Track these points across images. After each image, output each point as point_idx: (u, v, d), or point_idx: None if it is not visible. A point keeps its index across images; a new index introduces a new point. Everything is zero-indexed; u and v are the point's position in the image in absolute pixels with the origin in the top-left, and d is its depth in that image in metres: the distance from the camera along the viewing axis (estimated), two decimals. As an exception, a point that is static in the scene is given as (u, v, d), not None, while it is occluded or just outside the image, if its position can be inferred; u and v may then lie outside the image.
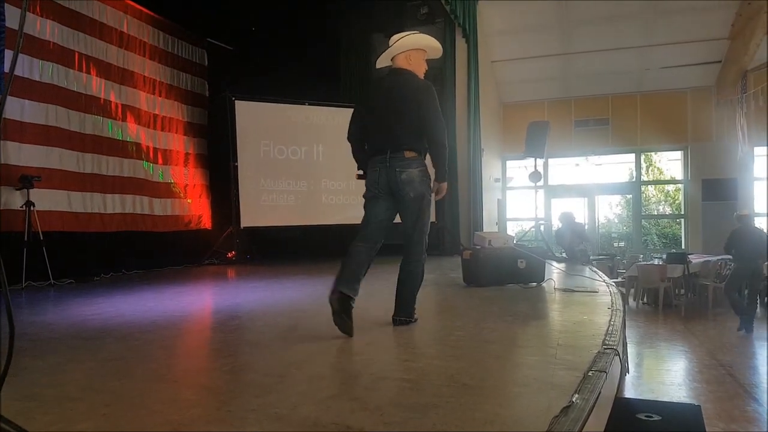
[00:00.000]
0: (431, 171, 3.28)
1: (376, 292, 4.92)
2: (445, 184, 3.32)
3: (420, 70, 3.36)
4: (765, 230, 9.62)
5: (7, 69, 5.84)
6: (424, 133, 3.19)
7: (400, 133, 3.18)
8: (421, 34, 3.41)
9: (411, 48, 3.33)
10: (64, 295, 5.35)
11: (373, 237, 3.23)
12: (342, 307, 2.98)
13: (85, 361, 2.69)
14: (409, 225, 3.22)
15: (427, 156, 3.28)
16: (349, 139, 3.45)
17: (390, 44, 3.37)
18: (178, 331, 3.66)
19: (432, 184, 3.29)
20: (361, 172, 3.42)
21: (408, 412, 1.80)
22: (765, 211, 11.53)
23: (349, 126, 3.45)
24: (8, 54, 5.85)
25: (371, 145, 3.32)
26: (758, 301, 7.87)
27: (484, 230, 9.62)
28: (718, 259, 9.82)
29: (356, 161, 3.46)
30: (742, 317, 7.48)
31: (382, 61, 3.46)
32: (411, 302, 3.29)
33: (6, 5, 5.84)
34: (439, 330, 3.31)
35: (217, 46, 9.59)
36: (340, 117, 9.35)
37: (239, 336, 3.33)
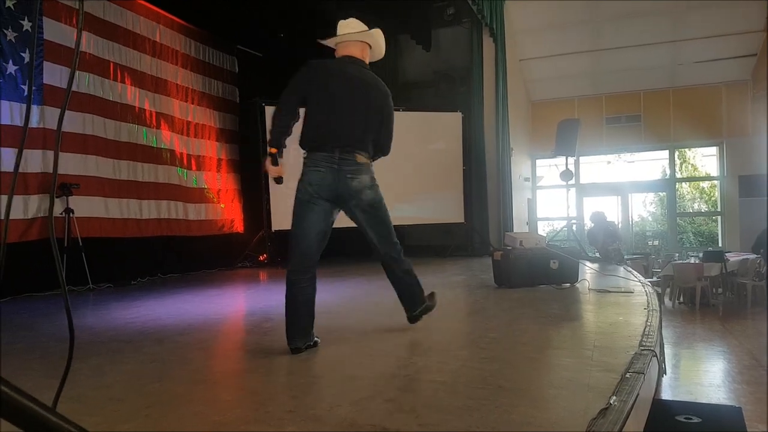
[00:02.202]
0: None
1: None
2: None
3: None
4: None
5: (47, 81, 6.07)
6: (379, 142, 3.02)
7: (359, 133, 2.90)
8: (380, 33, 3.12)
9: (369, 41, 3.08)
10: (103, 299, 5.51)
11: (315, 258, 2.91)
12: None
13: (126, 363, 2.77)
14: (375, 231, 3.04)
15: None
16: (284, 106, 2.87)
17: (344, 27, 3.05)
18: (214, 334, 3.73)
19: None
20: (275, 151, 2.86)
21: (443, 413, 1.80)
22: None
23: (290, 92, 2.89)
24: (46, 66, 6.07)
25: (316, 136, 2.87)
26: None
27: (515, 230, 9.54)
28: (756, 257, 9.55)
29: (276, 135, 2.85)
30: None
31: (333, 41, 3.09)
32: (422, 292, 3.20)
33: (44, 18, 6.06)
34: (471, 332, 3.31)
35: (246, 52, 9.74)
36: (368, 120, 9.42)
37: (274, 338, 3.37)
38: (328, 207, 2.87)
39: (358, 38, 3.02)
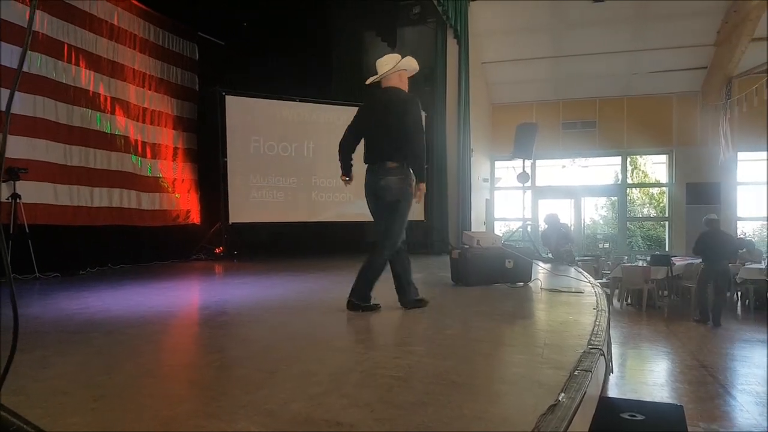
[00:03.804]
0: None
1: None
2: (423, 184, 3.69)
3: (405, 87, 3.84)
4: (734, 233, 10.00)
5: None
6: (406, 144, 3.60)
7: (385, 146, 3.66)
8: (408, 57, 3.86)
9: (402, 69, 3.81)
10: (49, 289, 5.31)
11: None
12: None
13: (72, 355, 2.67)
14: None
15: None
16: (345, 143, 3.89)
17: (380, 66, 3.78)
18: (166, 327, 3.65)
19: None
20: (345, 178, 3.96)
21: (398, 408, 1.82)
22: (750, 215, 11.75)
23: (350, 131, 3.89)
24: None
25: (366, 154, 3.76)
26: (725, 298, 8.29)
27: (473, 230, 9.67)
28: (700, 262, 9.96)
29: (345, 165, 3.93)
30: (706, 313, 8.23)
31: (376, 78, 3.83)
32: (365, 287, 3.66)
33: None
34: (428, 328, 3.33)
35: (208, 40, 9.54)
36: (331, 114, 9.35)
37: (228, 332, 3.33)
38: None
39: (393, 72, 3.74)
